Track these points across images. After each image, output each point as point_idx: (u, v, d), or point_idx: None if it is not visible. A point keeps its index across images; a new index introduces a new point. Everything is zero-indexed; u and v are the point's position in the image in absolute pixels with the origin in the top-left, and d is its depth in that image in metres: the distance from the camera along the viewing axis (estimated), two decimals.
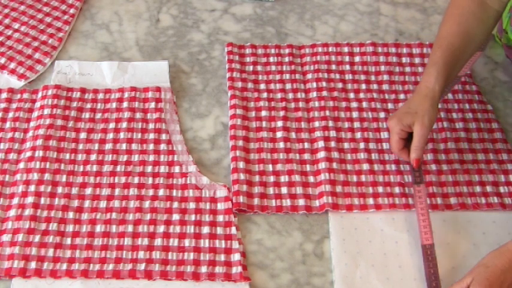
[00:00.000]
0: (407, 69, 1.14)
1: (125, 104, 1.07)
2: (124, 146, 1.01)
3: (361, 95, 1.10)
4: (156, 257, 0.89)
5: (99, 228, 0.92)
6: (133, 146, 1.01)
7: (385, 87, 1.11)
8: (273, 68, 1.14)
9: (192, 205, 0.95)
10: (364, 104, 1.08)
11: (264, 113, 1.06)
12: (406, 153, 0.95)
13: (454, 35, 0.95)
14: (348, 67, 1.14)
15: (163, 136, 1.03)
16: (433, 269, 0.87)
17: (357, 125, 1.05)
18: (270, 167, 1.00)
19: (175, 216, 0.93)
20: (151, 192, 0.96)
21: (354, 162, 1.00)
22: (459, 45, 0.95)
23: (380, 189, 0.97)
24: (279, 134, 1.04)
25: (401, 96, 1.10)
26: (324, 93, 1.09)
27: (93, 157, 1.00)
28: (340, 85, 1.11)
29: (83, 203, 0.95)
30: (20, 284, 0.87)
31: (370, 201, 0.96)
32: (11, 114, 1.05)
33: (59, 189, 0.96)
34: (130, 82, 1.11)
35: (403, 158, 0.96)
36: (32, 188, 0.95)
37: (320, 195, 0.96)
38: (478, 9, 0.96)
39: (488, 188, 0.98)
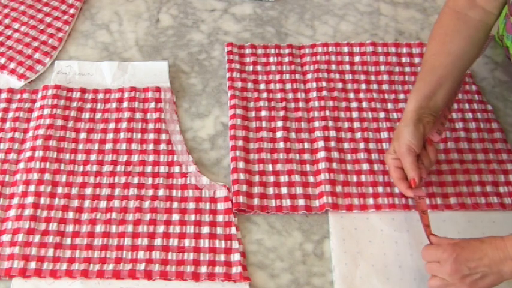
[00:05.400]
0: (407, 69, 1.14)
1: (125, 104, 1.07)
2: (124, 146, 1.01)
3: (361, 95, 1.10)
4: (156, 257, 0.89)
5: (99, 228, 0.92)
6: (133, 146, 1.01)
7: (385, 87, 1.11)
8: (273, 68, 1.14)
9: (192, 205, 0.95)
10: (364, 104, 1.08)
11: (263, 113, 1.06)
12: (404, 184, 0.93)
13: (437, 54, 0.95)
14: (347, 67, 1.14)
15: (163, 136, 1.03)
16: None
17: (356, 125, 1.05)
18: (269, 167, 1.00)
19: (175, 216, 0.93)
20: (151, 192, 0.96)
21: (354, 162, 1.01)
22: (443, 63, 0.94)
23: (380, 189, 0.97)
24: (278, 134, 1.04)
25: (401, 96, 1.10)
26: (324, 93, 1.09)
27: (93, 157, 1.00)
28: (340, 85, 1.11)
29: (83, 203, 0.95)
30: (20, 284, 0.87)
31: (370, 201, 0.96)
32: (10, 114, 1.05)
33: (59, 189, 0.96)
34: (130, 82, 1.11)
35: (401, 190, 0.94)
36: (32, 188, 0.95)
37: (320, 195, 0.96)
38: (464, 26, 0.96)
39: (488, 188, 0.98)
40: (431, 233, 0.88)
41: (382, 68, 1.14)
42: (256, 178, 0.98)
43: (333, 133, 1.04)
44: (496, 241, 0.80)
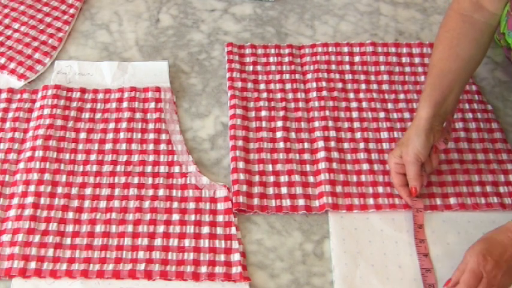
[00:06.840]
0: (407, 69, 1.14)
1: (125, 104, 1.07)
2: (124, 146, 1.01)
3: (361, 95, 1.10)
4: (156, 257, 0.89)
5: (99, 228, 0.92)
6: (133, 146, 1.01)
7: (384, 87, 1.11)
8: (273, 68, 1.14)
9: (192, 205, 0.95)
10: (364, 104, 1.08)
11: (263, 113, 1.06)
12: (405, 191, 0.94)
13: (445, 59, 0.95)
14: (347, 67, 1.14)
15: (163, 136, 1.03)
16: None
17: (356, 125, 1.05)
18: (269, 167, 1.00)
19: (175, 216, 0.93)
20: (151, 192, 0.96)
21: (354, 162, 1.00)
22: (452, 68, 0.94)
23: (380, 189, 0.97)
24: (278, 134, 1.04)
25: (401, 96, 1.10)
26: (324, 93, 1.09)
27: (93, 157, 1.00)
28: (340, 85, 1.11)
29: (83, 203, 0.95)
30: (20, 284, 0.87)
31: (370, 201, 0.96)
32: (10, 114, 1.05)
33: (59, 189, 0.96)
34: (130, 82, 1.11)
35: (402, 196, 0.95)
36: (32, 188, 0.95)
37: (320, 195, 0.96)
38: (471, 29, 0.95)
39: (488, 188, 0.97)
40: (426, 253, 0.88)
41: (382, 68, 1.14)
42: (256, 178, 0.98)
43: (333, 133, 1.04)
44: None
